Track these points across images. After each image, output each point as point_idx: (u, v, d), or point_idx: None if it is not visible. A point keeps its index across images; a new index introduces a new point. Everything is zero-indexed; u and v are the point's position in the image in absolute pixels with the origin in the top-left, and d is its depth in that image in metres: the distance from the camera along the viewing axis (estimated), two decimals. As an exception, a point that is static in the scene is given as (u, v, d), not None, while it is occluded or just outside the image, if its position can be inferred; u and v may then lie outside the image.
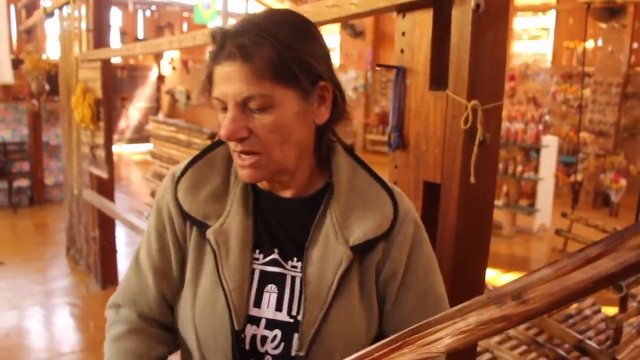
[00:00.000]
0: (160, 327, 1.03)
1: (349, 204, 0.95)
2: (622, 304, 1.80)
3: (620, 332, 1.59)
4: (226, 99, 0.87)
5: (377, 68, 1.45)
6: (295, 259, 0.95)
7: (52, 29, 7.78)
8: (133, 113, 12.62)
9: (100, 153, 3.91)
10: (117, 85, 11.26)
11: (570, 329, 2.02)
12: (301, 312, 0.91)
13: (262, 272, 0.95)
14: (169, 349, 1.04)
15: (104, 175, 3.94)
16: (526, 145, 6.13)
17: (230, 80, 0.86)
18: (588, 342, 1.60)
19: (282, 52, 0.85)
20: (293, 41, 0.87)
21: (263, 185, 0.99)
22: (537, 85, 8.26)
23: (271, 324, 0.92)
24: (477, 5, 1.25)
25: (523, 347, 2.03)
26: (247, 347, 0.92)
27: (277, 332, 0.92)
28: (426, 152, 1.41)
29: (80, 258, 4.85)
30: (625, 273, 0.54)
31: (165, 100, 12.95)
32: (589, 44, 7.78)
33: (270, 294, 0.93)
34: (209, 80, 0.91)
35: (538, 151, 6.12)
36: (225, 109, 0.89)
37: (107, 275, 4.38)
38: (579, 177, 6.64)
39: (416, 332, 0.71)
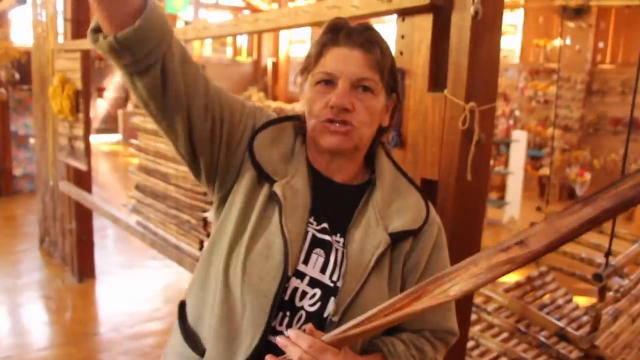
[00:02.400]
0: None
1: (390, 199, 1.10)
2: (601, 294, 1.91)
3: (599, 320, 1.69)
4: (340, 75, 1.03)
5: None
6: (339, 235, 1.07)
7: (17, 16, 7.59)
8: (101, 103, 12.38)
9: (80, 145, 3.86)
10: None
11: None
12: (340, 282, 1.01)
13: (314, 236, 1.05)
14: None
15: (82, 167, 3.90)
16: (497, 139, 6.29)
17: (348, 61, 1.03)
18: (568, 329, 1.70)
19: (388, 57, 1.07)
20: (390, 53, 1.09)
21: (319, 166, 1.12)
22: (506, 80, 8.45)
23: (314, 283, 1.02)
24: (476, 12, 1.32)
25: (505, 335, 2.14)
26: (287, 297, 1.00)
27: (317, 291, 1.01)
28: (424, 150, 1.48)
29: (54, 251, 4.79)
30: (602, 216, 0.69)
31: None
32: (557, 41, 8.00)
33: (318, 256, 1.04)
34: (317, 57, 1.06)
35: (508, 145, 6.29)
36: (326, 82, 1.04)
37: (84, 268, 4.32)
38: (546, 171, 6.84)
39: (434, 282, 0.83)
